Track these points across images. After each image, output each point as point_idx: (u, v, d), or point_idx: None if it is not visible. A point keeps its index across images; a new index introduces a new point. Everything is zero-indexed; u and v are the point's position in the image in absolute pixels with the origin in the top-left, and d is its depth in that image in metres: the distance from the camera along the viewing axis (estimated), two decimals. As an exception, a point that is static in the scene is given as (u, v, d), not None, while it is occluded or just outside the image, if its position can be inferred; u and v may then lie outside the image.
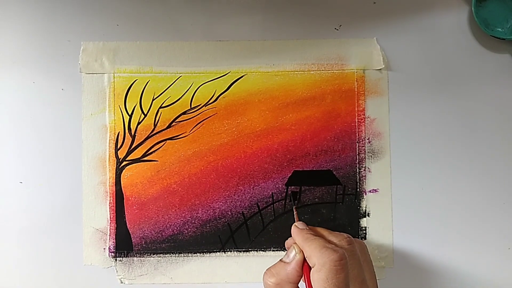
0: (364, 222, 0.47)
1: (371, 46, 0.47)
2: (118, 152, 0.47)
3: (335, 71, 0.47)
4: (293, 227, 0.41)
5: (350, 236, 0.40)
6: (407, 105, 0.47)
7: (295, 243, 0.40)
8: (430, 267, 0.47)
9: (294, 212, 0.44)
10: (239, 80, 0.47)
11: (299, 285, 0.38)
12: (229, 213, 0.47)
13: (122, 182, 0.47)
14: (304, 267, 0.38)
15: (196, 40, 0.47)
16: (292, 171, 0.47)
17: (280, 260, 0.40)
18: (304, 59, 0.47)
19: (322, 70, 0.47)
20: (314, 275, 0.36)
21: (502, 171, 0.47)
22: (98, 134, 0.47)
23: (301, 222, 0.42)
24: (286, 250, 0.42)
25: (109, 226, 0.47)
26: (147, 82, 0.47)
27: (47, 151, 0.47)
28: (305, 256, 0.38)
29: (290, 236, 0.41)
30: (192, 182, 0.47)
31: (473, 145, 0.47)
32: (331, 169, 0.47)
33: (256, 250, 0.47)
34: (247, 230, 0.47)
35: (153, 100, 0.47)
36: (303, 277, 0.38)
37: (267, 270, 0.39)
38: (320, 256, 0.36)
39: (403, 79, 0.48)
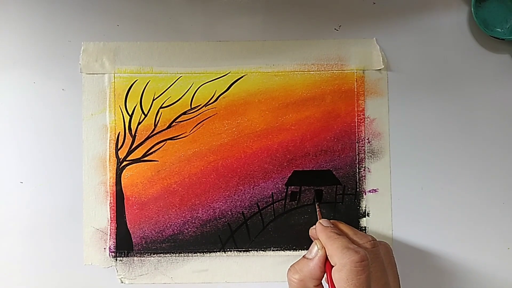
0: (364, 222, 0.47)
1: (371, 47, 0.47)
2: (119, 152, 0.47)
3: (334, 72, 0.47)
4: (317, 224, 0.41)
5: (375, 238, 0.39)
6: (407, 105, 0.47)
7: (318, 239, 0.40)
8: (430, 267, 0.47)
9: (317, 210, 0.45)
10: (239, 80, 0.47)
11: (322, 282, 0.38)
12: (229, 213, 0.47)
13: (122, 182, 0.47)
14: (327, 264, 0.38)
15: (196, 40, 0.47)
16: (292, 171, 0.47)
17: (303, 256, 0.40)
18: (304, 59, 0.47)
19: (322, 71, 0.47)
20: (335, 275, 0.36)
21: (502, 171, 0.47)
22: (98, 134, 0.47)
23: (325, 219, 0.42)
24: (310, 239, 0.42)
25: (109, 226, 0.47)
26: (148, 83, 0.47)
27: (48, 151, 0.47)
28: (327, 255, 0.38)
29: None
30: (192, 182, 0.47)
31: (472, 145, 0.47)
32: (331, 169, 0.47)
33: (256, 250, 0.47)
34: (247, 230, 0.47)
35: (153, 100, 0.47)
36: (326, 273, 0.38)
37: (291, 266, 0.40)
38: (341, 256, 0.36)
39: (403, 79, 0.48)
